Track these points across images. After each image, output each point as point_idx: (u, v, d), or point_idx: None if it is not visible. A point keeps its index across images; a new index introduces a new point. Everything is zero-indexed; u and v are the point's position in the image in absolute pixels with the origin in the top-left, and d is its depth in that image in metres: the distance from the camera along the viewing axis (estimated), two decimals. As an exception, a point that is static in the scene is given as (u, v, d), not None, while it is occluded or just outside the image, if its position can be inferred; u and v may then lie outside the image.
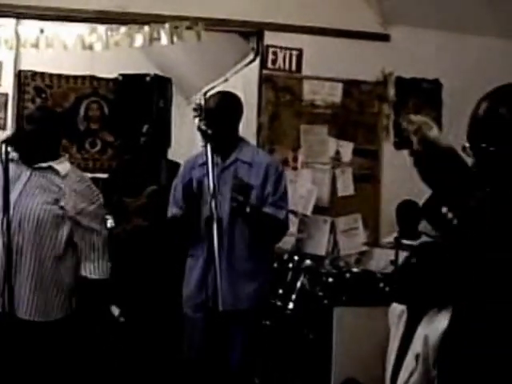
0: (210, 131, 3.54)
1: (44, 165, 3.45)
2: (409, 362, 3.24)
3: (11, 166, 3.34)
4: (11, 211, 3.22)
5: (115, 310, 4.64)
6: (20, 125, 3.55)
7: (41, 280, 3.36)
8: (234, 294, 3.51)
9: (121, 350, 4.87)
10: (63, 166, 3.52)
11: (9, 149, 3.26)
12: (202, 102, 3.92)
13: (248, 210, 3.57)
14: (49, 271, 3.38)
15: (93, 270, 3.50)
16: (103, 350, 4.79)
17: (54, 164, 3.47)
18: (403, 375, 3.26)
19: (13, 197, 3.28)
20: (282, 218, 3.75)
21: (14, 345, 3.26)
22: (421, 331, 3.21)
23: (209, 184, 3.37)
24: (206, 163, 3.47)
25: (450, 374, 1.96)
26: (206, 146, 3.49)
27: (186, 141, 6.97)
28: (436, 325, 3.13)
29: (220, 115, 3.73)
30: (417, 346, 3.20)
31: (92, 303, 3.58)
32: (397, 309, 3.46)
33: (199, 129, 3.63)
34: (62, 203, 3.40)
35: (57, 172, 3.46)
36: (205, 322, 3.64)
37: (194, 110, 3.96)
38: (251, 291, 3.66)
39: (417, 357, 3.19)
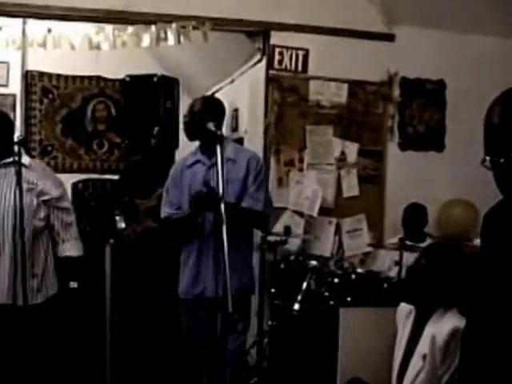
0: (219, 132, 3.58)
1: (8, 160, 3.64)
2: (415, 361, 3.24)
3: None
4: None
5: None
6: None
7: (20, 266, 3.48)
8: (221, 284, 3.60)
9: (128, 350, 4.90)
10: (25, 158, 3.71)
11: None
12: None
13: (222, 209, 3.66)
14: (27, 257, 3.52)
15: (71, 248, 3.81)
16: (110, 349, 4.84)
17: (22, 159, 3.59)
18: (410, 375, 3.26)
19: None
20: (260, 209, 3.89)
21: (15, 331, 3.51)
22: (428, 331, 3.21)
23: (218, 186, 3.40)
24: (196, 164, 3.88)
25: (472, 372, 1.94)
26: (215, 147, 3.54)
27: (192, 142, 6.97)
28: (443, 325, 3.15)
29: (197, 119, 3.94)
30: (424, 345, 3.20)
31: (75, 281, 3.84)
32: (404, 309, 3.47)
33: (208, 130, 3.66)
34: (39, 190, 3.68)
35: (23, 164, 3.59)
36: (205, 312, 3.81)
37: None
38: (236, 280, 3.69)
39: (424, 357, 3.18)
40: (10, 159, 3.62)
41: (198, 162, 3.98)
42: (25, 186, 3.53)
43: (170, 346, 4.82)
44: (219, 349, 3.63)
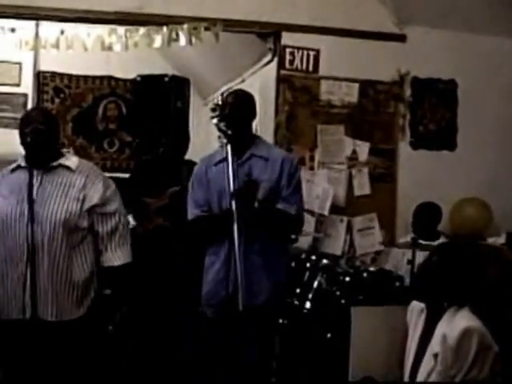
0: (230, 131, 3.59)
1: (54, 164, 3.41)
2: (427, 361, 3.25)
3: (18, 172, 3.39)
4: (30, 216, 3.23)
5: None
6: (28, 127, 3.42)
7: (59, 280, 3.34)
8: (249, 290, 3.48)
9: (134, 348, 4.91)
10: (72, 161, 3.50)
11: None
12: (220, 102, 3.90)
13: (256, 205, 3.55)
14: (65, 270, 3.36)
15: (118, 256, 3.47)
16: (116, 348, 4.84)
17: (63, 161, 3.44)
18: (422, 374, 3.27)
19: (23, 203, 3.27)
20: (294, 213, 3.71)
21: (39, 347, 3.27)
22: (439, 330, 3.22)
23: (229, 184, 3.42)
24: (223, 162, 3.61)
25: None
26: (226, 146, 3.56)
27: (202, 141, 7.01)
28: (455, 324, 3.16)
29: (237, 114, 3.73)
30: (435, 345, 3.21)
31: (119, 289, 3.54)
32: (416, 307, 3.48)
33: (219, 129, 3.68)
34: (83, 196, 3.38)
35: (68, 168, 3.43)
36: (223, 322, 3.65)
37: (212, 110, 3.99)
38: (266, 287, 3.65)
39: (435, 356, 3.20)
40: (58, 162, 3.42)
41: (225, 159, 3.66)
42: (70, 192, 3.36)
43: (179, 345, 4.83)
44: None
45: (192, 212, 3.80)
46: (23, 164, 3.41)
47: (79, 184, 3.39)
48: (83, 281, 3.41)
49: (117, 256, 3.48)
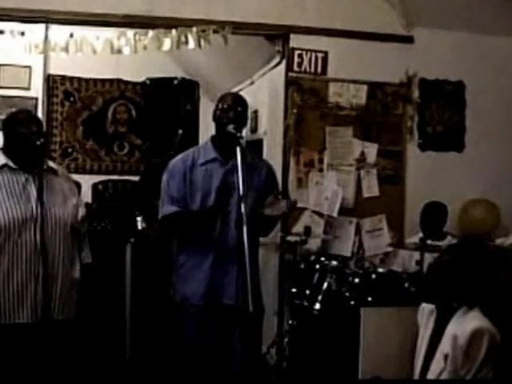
0: (239, 134, 3.62)
1: (45, 167, 3.44)
2: (437, 361, 3.26)
3: (6, 174, 3.35)
4: (33, 218, 3.27)
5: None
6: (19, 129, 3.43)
7: (65, 280, 3.44)
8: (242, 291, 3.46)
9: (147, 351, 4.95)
10: (51, 164, 3.56)
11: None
12: (225, 106, 3.91)
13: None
14: (69, 270, 3.46)
15: (88, 255, 3.65)
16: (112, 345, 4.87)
17: (48, 164, 3.49)
18: (432, 375, 3.27)
19: (28, 204, 3.29)
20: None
21: (50, 347, 3.30)
22: (449, 331, 3.22)
23: (238, 187, 3.43)
24: (211, 163, 3.76)
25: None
26: (235, 149, 3.57)
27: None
28: (465, 324, 3.16)
29: (244, 116, 3.87)
30: (445, 345, 3.22)
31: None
32: (426, 308, 3.48)
33: (228, 132, 3.69)
34: (76, 200, 3.52)
35: (54, 171, 3.49)
36: (209, 319, 3.74)
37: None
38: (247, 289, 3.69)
39: (445, 357, 3.20)
40: (46, 165, 3.46)
41: (213, 160, 3.81)
42: (65, 195, 3.45)
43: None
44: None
45: (168, 208, 3.80)
46: (12, 165, 3.38)
47: (67, 187, 3.52)
48: (78, 279, 3.55)
49: (89, 254, 3.66)
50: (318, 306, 4.73)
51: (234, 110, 3.80)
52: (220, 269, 3.74)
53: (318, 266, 4.92)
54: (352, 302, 4.56)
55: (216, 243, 3.74)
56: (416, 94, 5.72)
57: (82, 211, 3.60)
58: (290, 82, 5.50)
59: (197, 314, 3.77)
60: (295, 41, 5.49)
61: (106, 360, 5.15)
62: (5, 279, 3.31)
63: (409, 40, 5.65)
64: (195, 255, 3.80)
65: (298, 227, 5.35)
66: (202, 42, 5.29)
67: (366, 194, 5.65)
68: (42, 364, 3.27)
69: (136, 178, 7.10)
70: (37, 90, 7.67)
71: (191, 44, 5.29)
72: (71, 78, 7.85)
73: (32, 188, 3.35)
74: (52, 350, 3.29)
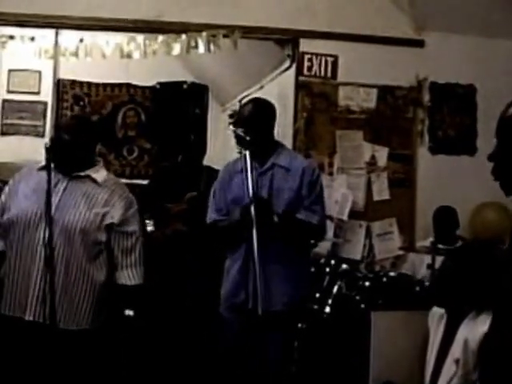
0: (248, 137, 3.61)
1: (82, 174, 3.40)
2: (448, 366, 3.24)
3: (41, 174, 3.31)
4: (42, 218, 3.22)
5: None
6: (56, 134, 3.38)
7: (73, 289, 3.33)
8: (268, 296, 3.49)
9: (154, 353, 4.93)
10: (100, 174, 3.48)
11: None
12: (238, 109, 3.95)
13: (276, 219, 3.56)
14: (82, 280, 3.35)
15: (131, 276, 3.44)
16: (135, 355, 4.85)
17: (91, 173, 3.43)
18: (443, 380, 3.26)
19: (49, 205, 3.20)
20: (316, 222, 3.72)
21: (53, 354, 3.22)
22: (460, 335, 3.21)
23: (248, 190, 3.43)
24: (244, 169, 3.57)
25: (493, 377, 1.98)
26: (244, 153, 3.58)
27: (220, 147, 7.04)
28: (476, 328, 3.14)
29: (255, 121, 3.74)
30: (456, 350, 3.20)
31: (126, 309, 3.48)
32: (437, 313, 3.47)
33: (236, 135, 3.70)
34: (104, 212, 3.36)
35: (94, 180, 3.41)
36: (241, 324, 3.69)
37: (230, 116, 4.05)
38: (285, 294, 3.66)
39: (457, 361, 3.18)
40: (85, 172, 3.40)
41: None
42: (93, 205, 3.34)
43: (196, 347, 4.84)
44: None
45: (210, 216, 3.85)
46: (52, 166, 3.33)
47: (102, 199, 3.38)
48: (95, 294, 3.38)
49: (131, 275, 3.46)
50: (328, 309, 4.73)
51: (242, 113, 3.83)
52: (247, 273, 3.65)
53: (328, 270, 4.92)
54: (362, 306, 4.56)
55: (244, 248, 3.67)
56: (427, 97, 5.72)
57: (131, 227, 3.44)
58: (299, 86, 5.51)
59: (225, 318, 3.81)
60: (305, 45, 5.50)
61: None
62: (11, 271, 3.32)
63: (419, 44, 5.64)
64: (229, 259, 3.82)
65: (309, 231, 5.34)
66: (212, 47, 5.31)
67: (376, 198, 5.64)
68: (42, 364, 3.23)
69: (145, 182, 7.11)
70: (47, 94, 7.72)
71: (201, 49, 5.31)
72: (81, 83, 7.87)
73: (59, 191, 3.34)
74: (51, 356, 3.23)
